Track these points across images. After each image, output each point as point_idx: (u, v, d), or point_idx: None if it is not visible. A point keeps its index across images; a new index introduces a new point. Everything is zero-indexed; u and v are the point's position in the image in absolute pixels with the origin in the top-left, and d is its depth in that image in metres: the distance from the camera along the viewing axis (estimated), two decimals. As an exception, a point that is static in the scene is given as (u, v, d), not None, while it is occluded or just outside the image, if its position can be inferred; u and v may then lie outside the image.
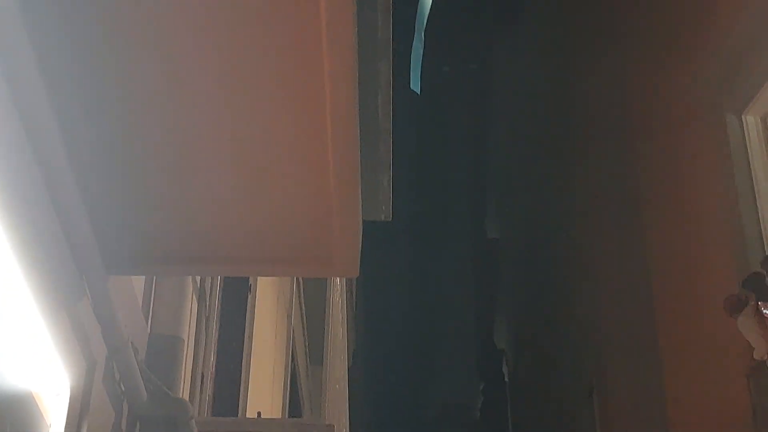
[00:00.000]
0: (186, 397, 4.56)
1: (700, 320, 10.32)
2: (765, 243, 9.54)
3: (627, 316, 12.54)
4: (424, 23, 3.21)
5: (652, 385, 11.35)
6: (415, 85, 3.25)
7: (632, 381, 12.18)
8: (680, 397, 10.73)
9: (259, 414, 6.21)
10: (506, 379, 29.85)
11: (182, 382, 4.33)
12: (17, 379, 2.75)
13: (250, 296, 6.40)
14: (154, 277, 4.09)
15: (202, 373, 5.17)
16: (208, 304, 5.29)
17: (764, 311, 8.45)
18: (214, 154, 2.96)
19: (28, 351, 2.81)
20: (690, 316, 10.64)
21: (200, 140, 2.94)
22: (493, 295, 30.52)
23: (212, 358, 5.54)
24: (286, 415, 8.20)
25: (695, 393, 10.36)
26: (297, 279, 8.51)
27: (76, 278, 3.05)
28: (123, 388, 3.54)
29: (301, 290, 9.53)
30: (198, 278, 5.08)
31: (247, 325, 6.33)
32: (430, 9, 3.21)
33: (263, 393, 7.45)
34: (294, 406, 9.44)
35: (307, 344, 10.46)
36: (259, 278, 6.69)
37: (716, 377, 9.88)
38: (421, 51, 3.22)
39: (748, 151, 9.74)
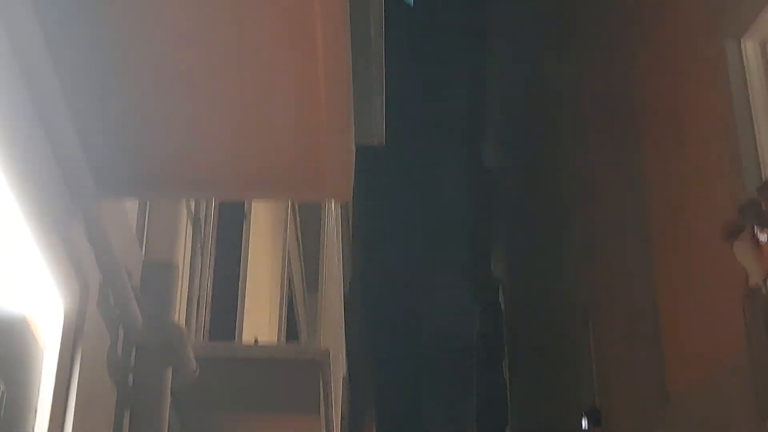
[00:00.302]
0: (182, 323, 4.57)
1: (696, 247, 10.34)
2: (762, 169, 9.51)
3: (623, 244, 12.56)
4: None
5: (647, 313, 11.40)
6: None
7: (628, 309, 12.23)
8: (675, 324, 10.79)
9: (255, 340, 6.24)
10: (502, 308, 30.01)
11: (178, 309, 4.33)
12: (10, 304, 2.75)
13: (245, 223, 6.40)
14: (148, 203, 4.07)
15: (198, 300, 5.18)
16: (203, 230, 5.28)
17: (760, 237, 8.45)
18: (205, 76, 2.93)
19: (20, 275, 2.80)
20: (686, 243, 10.65)
21: (192, 62, 2.90)
22: (489, 225, 30.56)
23: (208, 285, 5.54)
24: (283, 342, 8.24)
25: (690, 319, 10.41)
26: (292, 206, 8.50)
27: (67, 202, 3.03)
28: (118, 314, 3.54)
29: (297, 217, 9.53)
30: (192, 205, 5.07)
31: (242, 251, 6.33)
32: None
33: (260, 320, 7.48)
34: (291, 333, 9.49)
35: (303, 272, 10.49)
36: (253, 205, 6.68)
37: (711, 304, 9.91)
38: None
39: (747, 77, 9.67)
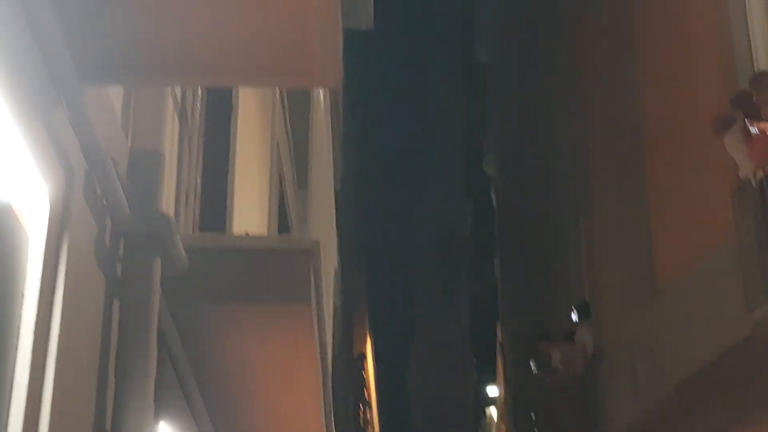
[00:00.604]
0: (170, 214, 4.54)
1: (688, 140, 10.32)
2: (754, 61, 9.44)
3: (615, 140, 12.52)
4: None
5: (638, 207, 11.43)
6: None
7: (619, 205, 12.25)
8: (666, 218, 10.82)
9: (246, 234, 6.23)
10: (495, 205, 30.08)
11: (166, 200, 4.30)
12: (-6, 191, 2.72)
13: (232, 115, 6.34)
14: (133, 92, 4.01)
15: (186, 192, 5.15)
16: (189, 122, 5.23)
17: (751, 129, 8.42)
18: (187, -42, 2.85)
19: (3, 163, 2.76)
20: (678, 136, 10.63)
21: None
22: (482, 121, 30.44)
23: (196, 177, 5.51)
24: (274, 233, 8.23)
25: (680, 212, 10.44)
26: (280, 97, 8.41)
27: (49, 89, 2.98)
28: (105, 203, 3.51)
29: (285, 109, 9.46)
30: (178, 96, 5.01)
31: (230, 143, 6.28)
32: None
33: (251, 214, 7.46)
34: (282, 228, 9.49)
35: (294, 167, 10.45)
36: (241, 97, 6.61)
37: (701, 196, 9.94)
38: None
39: (741, -32, 9.56)
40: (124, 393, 3.49)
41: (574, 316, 13.36)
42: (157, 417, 3.82)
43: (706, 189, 9.78)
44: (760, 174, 8.46)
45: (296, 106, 10.37)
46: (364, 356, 29.91)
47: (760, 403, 8.54)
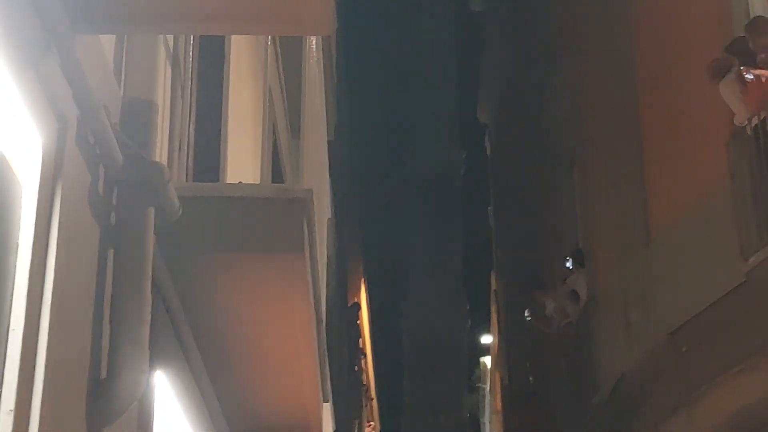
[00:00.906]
0: (163, 163, 4.53)
1: (682, 87, 10.29)
2: (750, 7, 9.39)
3: (609, 86, 12.48)
4: None
5: (632, 154, 11.41)
6: None
7: (613, 152, 12.24)
8: (659, 166, 10.81)
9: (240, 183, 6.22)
10: (488, 153, 30.06)
11: (159, 149, 4.29)
12: (-14, 139, 2.71)
13: (225, 63, 6.30)
14: (125, 41, 3.99)
15: (180, 141, 5.14)
16: (182, 70, 5.20)
17: (747, 76, 8.39)
18: None
19: (-5, 111, 2.75)
20: (672, 84, 10.59)
21: None
22: (476, 68, 30.33)
23: (189, 126, 5.49)
24: (267, 182, 8.21)
25: (675, 161, 10.43)
26: (273, 45, 8.36)
27: (41, 37, 2.96)
28: (98, 152, 3.50)
29: (279, 58, 9.40)
30: (171, 44, 4.97)
31: (223, 92, 6.25)
32: None
33: (244, 164, 7.45)
34: (276, 179, 9.48)
35: (287, 116, 10.41)
36: (234, 45, 6.56)
37: (696, 144, 9.93)
38: None
39: None
40: (119, 340, 3.50)
41: (568, 265, 13.40)
42: (152, 365, 3.84)
43: (701, 137, 9.77)
44: (755, 121, 8.45)
45: (289, 55, 10.31)
46: (358, 305, 30.02)
47: (753, 349, 8.60)
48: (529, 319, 14.45)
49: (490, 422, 42.95)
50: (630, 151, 11.45)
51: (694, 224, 9.68)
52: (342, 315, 23.64)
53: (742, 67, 8.44)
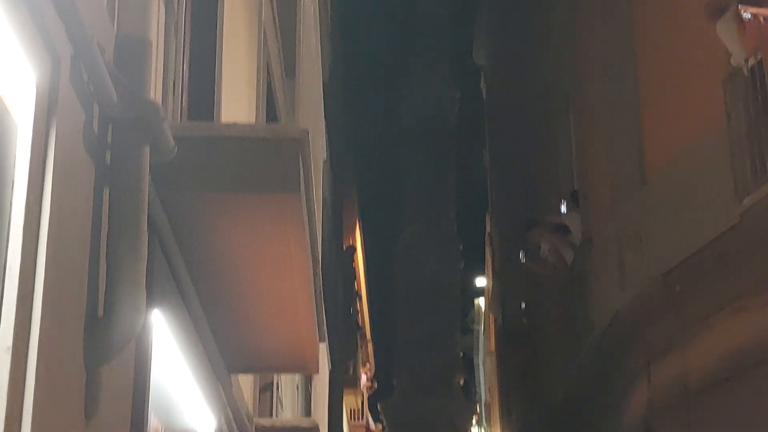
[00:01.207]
0: (158, 102, 4.50)
1: (679, 27, 10.23)
2: (748, -54, 9.30)
3: (605, 27, 12.40)
4: None
5: (628, 95, 11.37)
6: None
7: (609, 94, 12.19)
8: (655, 107, 10.78)
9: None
10: (484, 94, 29.96)
11: (153, 89, 4.26)
12: (-21, 75, 2.69)
13: (219, 2, 6.25)
14: (118, -23, 3.94)
15: (174, 80, 5.11)
16: (176, 8, 5.15)
17: (744, 15, 8.33)
18: None
19: (-13, 48, 2.73)
20: (669, 24, 10.53)
21: None
22: (472, 8, 30.12)
23: (183, 66, 5.46)
24: (262, 122, 8.19)
25: (671, 102, 10.40)
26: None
27: (33, -29, 2.92)
28: (92, 90, 3.48)
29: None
30: (165, -19, 4.92)
31: (217, 31, 6.20)
32: None
33: (239, 105, 7.42)
34: (270, 119, 9.45)
35: (282, 56, 10.36)
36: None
37: (692, 85, 9.89)
38: None
39: None
40: (115, 278, 3.51)
41: (563, 207, 13.42)
42: (149, 303, 3.85)
43: (697, 77, 9.73)
44: (752, 61, 8.41)
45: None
46: (353, 248, 30.12)
47: (746, 290, 8.64)
48: (523, 260, 14.50)
49: (483, 363, 43.31)
50: (626, 92, 11.41)
51: (689, 165, 9.68)
52: (337, 257, 23.69)
53: (740, 6, 8.38)
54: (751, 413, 8.54)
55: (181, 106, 5.50)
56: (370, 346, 37.41)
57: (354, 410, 32.32)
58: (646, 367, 10.36)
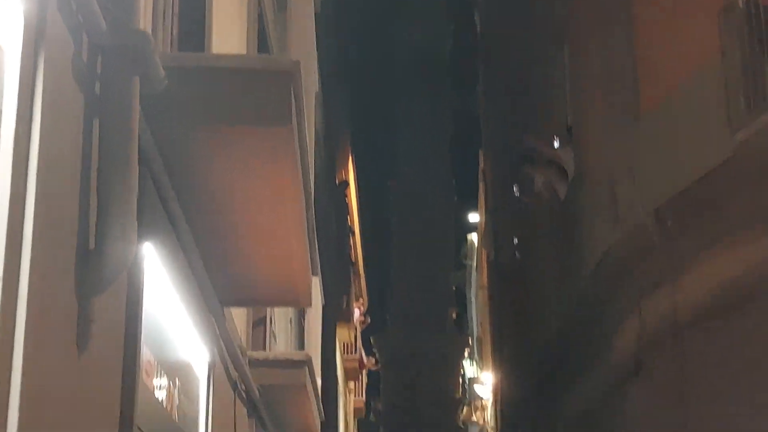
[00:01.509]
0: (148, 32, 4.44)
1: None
2: None
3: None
4: None
5: (622, 29, 11.28)
6: None
7: (603, 27, 12.09)
8: (649, 41, 10.70)
9: (226, 55, 6.12)
10: (478, 27, 29.74)
11: (143, 19, 4.20)
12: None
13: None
14: None
15: (164, 10, 5.04)
16: (166, -63, 5.07)
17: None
18: None
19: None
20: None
21: None
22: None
23: (174, -4, 5.39)
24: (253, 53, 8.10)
25: (666, 36, 10.32)
26: None
27: None
28: (80, 18, 3.42)
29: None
30: None
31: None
32: None
33: (230, 38, 7.33)
34: (262, 53, 9.34)
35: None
36: None
37: (687, 18, 9.81)
38: None
39: None
40: (106, 210, 3.48)
41: (556, 142, 13.38)
42: (140, 236, 3.83)
43: (692, 10, 9.65)
44: (747, -6, 8.34)
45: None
46: (346, 183, 30.06)
47: (739, 224, 8.66)
48: (517, 194, 14.49)
49: (475, 297, 43.55)
50: (620, 26, 11.32)
51: (683, 99, 9.63)
52: (330, 192, 23.66)
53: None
54: (742, 346, 8.60)
55: (171, 35, 5.43)
56: (363, 280, 37.55)
57: (347, 344, 32.54)
58: (638, 301, 10.41)
